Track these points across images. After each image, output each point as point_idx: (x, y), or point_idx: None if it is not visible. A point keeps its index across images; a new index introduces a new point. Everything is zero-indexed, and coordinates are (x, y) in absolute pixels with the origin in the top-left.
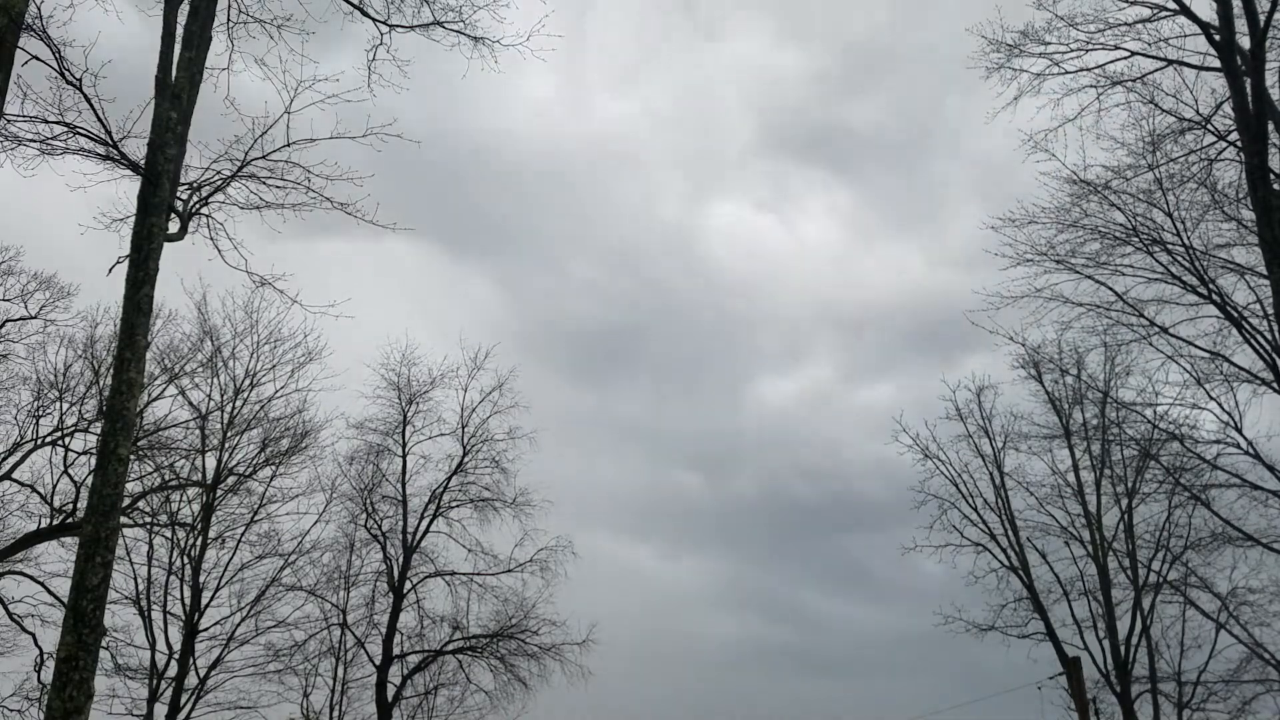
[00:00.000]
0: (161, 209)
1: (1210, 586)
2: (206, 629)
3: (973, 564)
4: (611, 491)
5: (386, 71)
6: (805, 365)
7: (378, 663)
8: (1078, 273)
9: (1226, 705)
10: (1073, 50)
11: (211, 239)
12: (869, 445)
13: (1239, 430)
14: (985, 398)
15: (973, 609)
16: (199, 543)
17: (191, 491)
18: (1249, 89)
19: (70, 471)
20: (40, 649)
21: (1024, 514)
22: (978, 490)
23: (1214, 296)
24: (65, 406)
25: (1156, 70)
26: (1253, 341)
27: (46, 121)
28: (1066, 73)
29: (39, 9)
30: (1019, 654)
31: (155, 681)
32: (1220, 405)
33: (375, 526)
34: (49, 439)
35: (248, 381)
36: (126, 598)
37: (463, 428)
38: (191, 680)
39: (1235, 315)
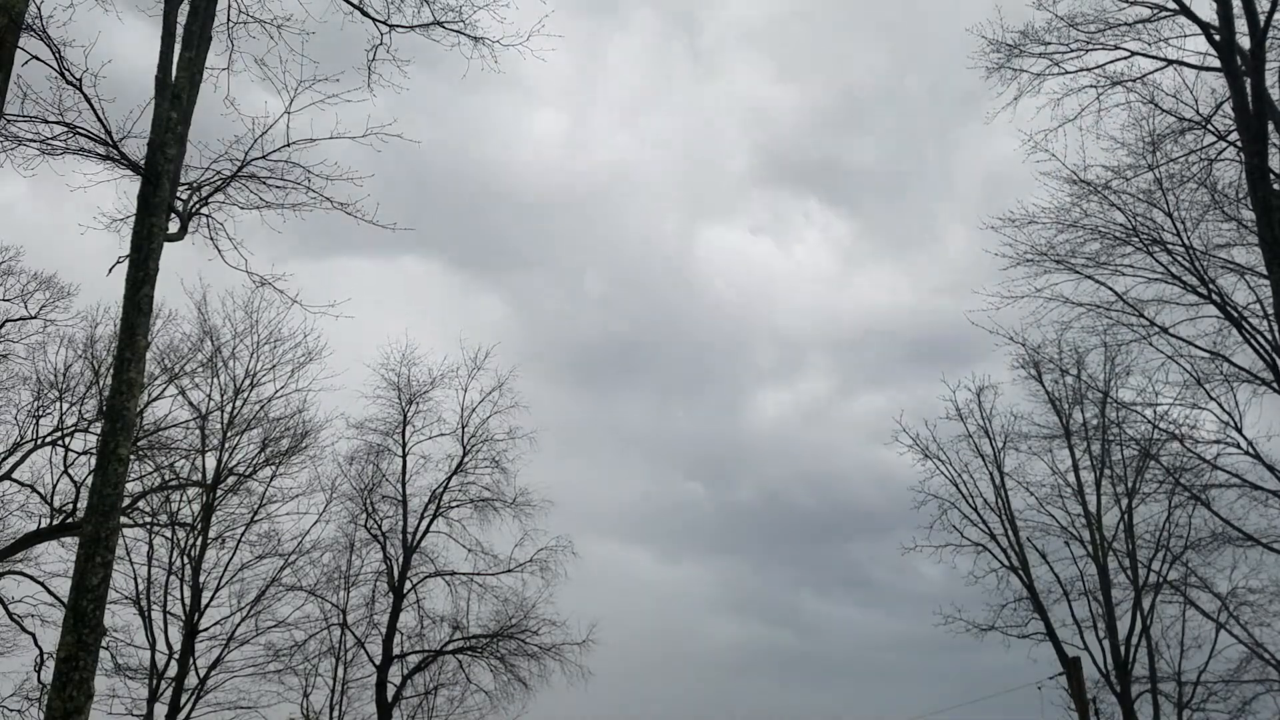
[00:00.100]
0: (161, 209)
1: (1210, 586)
2: (206, 629)
3: (973, 564)
4: (615, 499)
5: (386, 71)
6: (802, 379)
7: (378, 663)
8: (1078, 273)
9: (1226, 705)
10: (1073, 50)
11: (211, 239)
12: (866, 455)
13: (1239, 430)
14: (985, 398)
15: (973, 609)
16: (199, 543)
17: (191, 491)
18: (1249, 89)
19: (70, 471)
20: (40, 649)
21: (1024, 514)
22: (978, 490)
23: (1214, 296)
24: (65, 406)
25: (1156, 70)
26: (1253, 341)
27: (46, 121)
28: (1066, 73)
29: (39, 9)
30: (1019, 654)
31: (155, 681)
32: (1220, 405)
33: (375, 526)
34: (49, 439)
35: (248, 381)
36: (126, 598)
37: (463, 428)
38: (191, 680)
39: (1235, 315)
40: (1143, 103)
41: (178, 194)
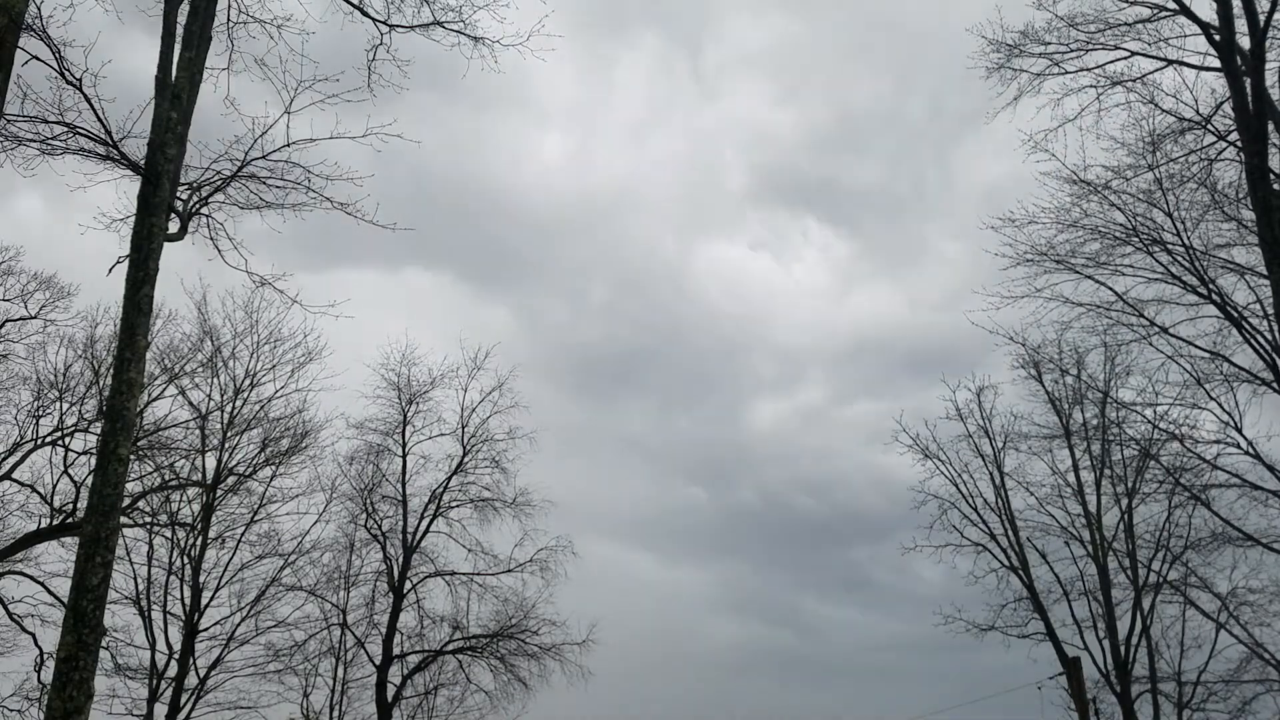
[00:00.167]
0: (161, 209)
1: (1210, 586)
2: (206, 629)
3: (973, 564)
4: (616, 502)
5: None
6: (801, 388)
7: (378, 663)
8: (1078, 273)
9: (1226, 705)
10: (1073, 50)
11: (211, 239)
12: (865, 460)
13: (1239, 430)
14: (985, 398)
15: (973, 610)
16: (199, 543)
17: (191, 491)
18: (1249, 89)
19: (70, 471)
20: (40, 649)
21: (1024, 514)
22: (978, 490)
23: (1214, 296)
24: (65, 406)
25: (1156, 70)
26: (1253, 341)
27: (46, 121)
28: (1066, 73)
29: (39, 9)
30: (1019, 654)
31: (155, 681)
32: (1220, 405)
33: (375, 526)
34: (49, 439)
35: (248, 381)
36: (126, 598)
37: (463, 428)
38: (191, 680)
39: (1235, 315)
40: (1143, 103)
41: (178, 194)
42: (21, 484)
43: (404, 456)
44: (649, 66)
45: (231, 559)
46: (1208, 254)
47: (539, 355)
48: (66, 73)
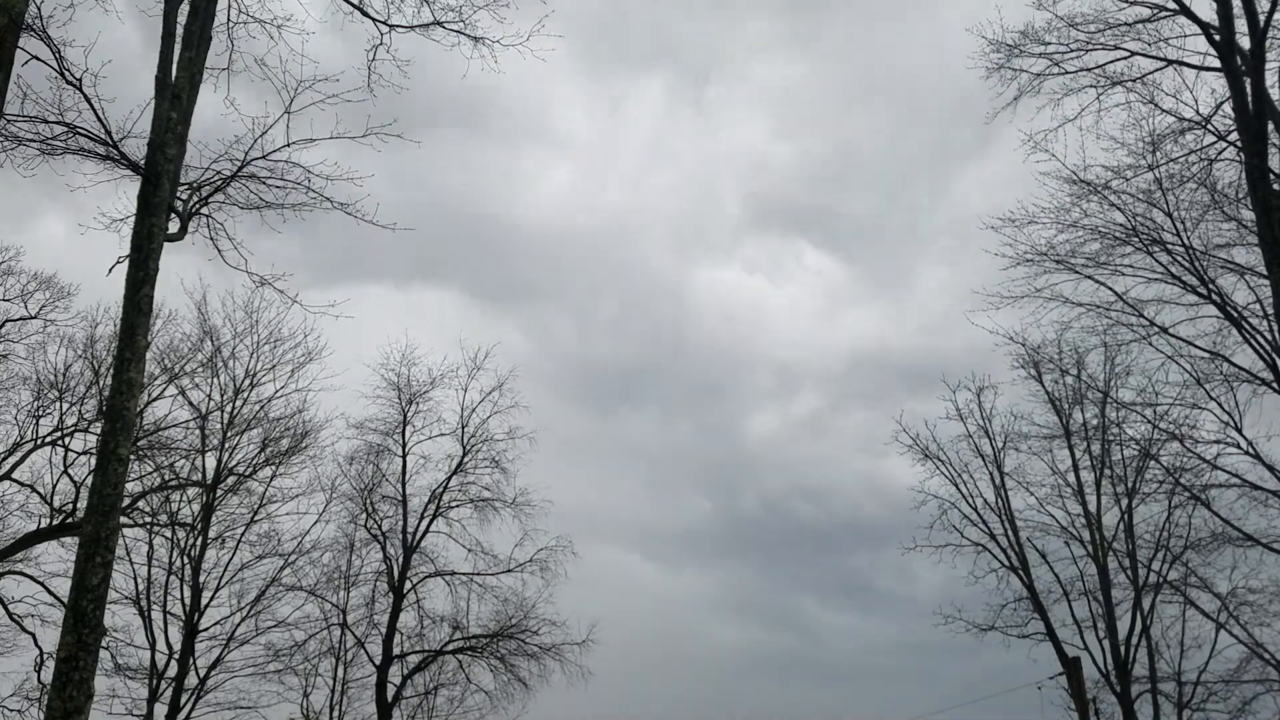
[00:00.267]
0: (161, 209)
1: (1210, 586)
2: (206, 629)
3: (972, 564)
4: (619, 508)
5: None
6: (798, 400)
7: (378, 663)
8: (1077, 273)
9: (1226, 705)
10: (1073, 50)
11: (211, 239)
12: (863, 467)
13: (1239, 430)
14: (985, 398)
15: (973, 610)
16: (199, 543)
17: (191, 491)
18: (1249, 89)
19: (70, 471)
20: (40, 649)
21: (1024, 514)
22: (978, 490)
23: (1214, 296)
24: (65, 406)
25: (1156, 70)
26: (1253, 341)
27: (46, 121)
28: (1066, 73)
29: (39, 9)
30: (1019, 654)
31: (155, 681)
32: (1220, 405)
33: (375, 526)
34: (49, 439)
35: (248, 381)
36: (126, 598)
37: (463, 428)
38: (191, 680)
39: (1235, 315)
40: (1143, 103)
41: (178, 194)
42: (21, 484)
43: (404, 456)
44: (657, 101)
45: (231, 559)
46: (1208, 254)
47: (546, 370)
48: (66, 73)
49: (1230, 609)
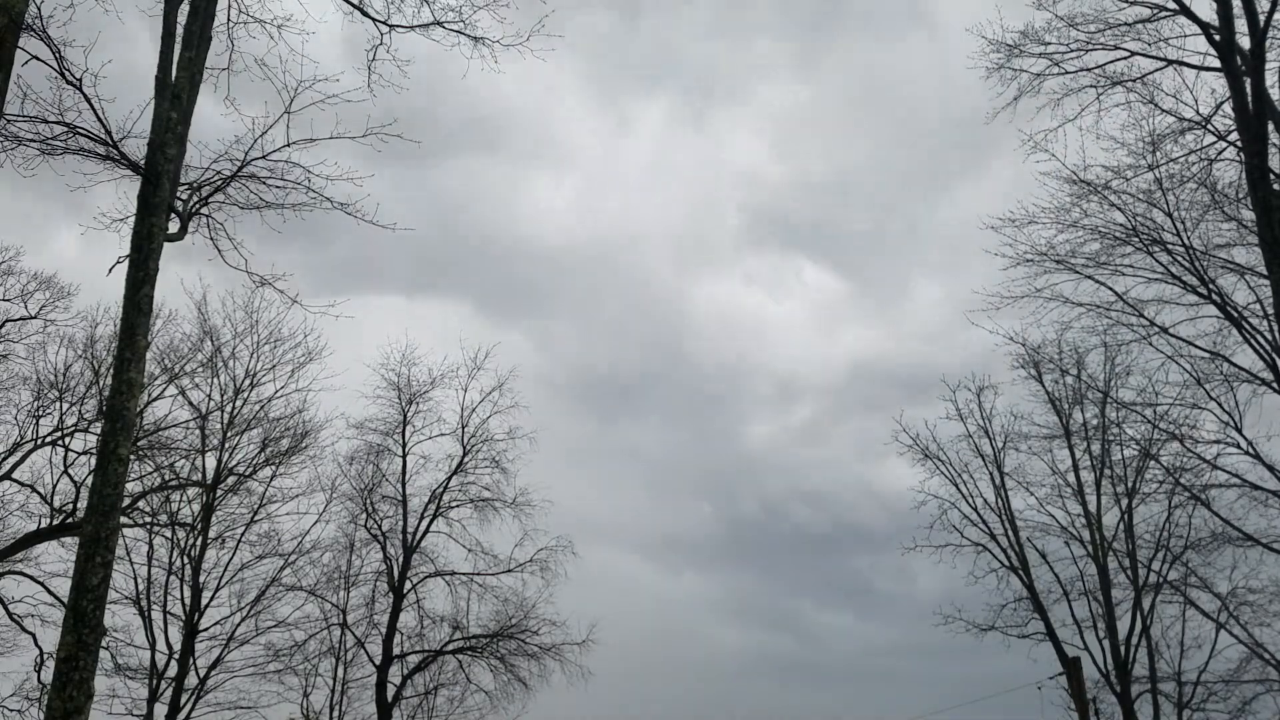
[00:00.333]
0: (161, 209)
1: (1210, 586)
2: (206, 629)
3: (972, 564)
4: (622, 514)
5: (386, 71)
6: (798, 408)
7: (378, 663)
8: (1078, 273)
9: (1226, 705)
10: (1072, 50)
11: (211, 239)
12: (861, 475)
13: (1239, 430)
14: (985, 398)
15: (973, 611)
16: (199, 543)
17: (191, 491)
18: (1249, 89)
19: (70, 471)
20: (40, 649)
21: (1024, 514)
22: (978, 490)
23: (1214, 296)
24: (65, 406)
25: (1156, 70)
26: (1253, 341)
27: (46, 121)
28: (1066, 73)
29: (39, 9)
30: (1019, 654)
31: (155, 681)
32: (1220, 405)
33: (375, 526)
34: (49, 439)
35: (248, 381)
36: (126, 598)
37: (463, 428)
38: (191, 680)
39: (1235, 315)
40: (1143, 103)
41: (178, 194)
42: (21, 484)
43: (404, 456)
44: (661, 119)
45: (231, 559)
46: (1208, 254)
47: (550, 377)
48: (66, 73)
49: (1230, 609)
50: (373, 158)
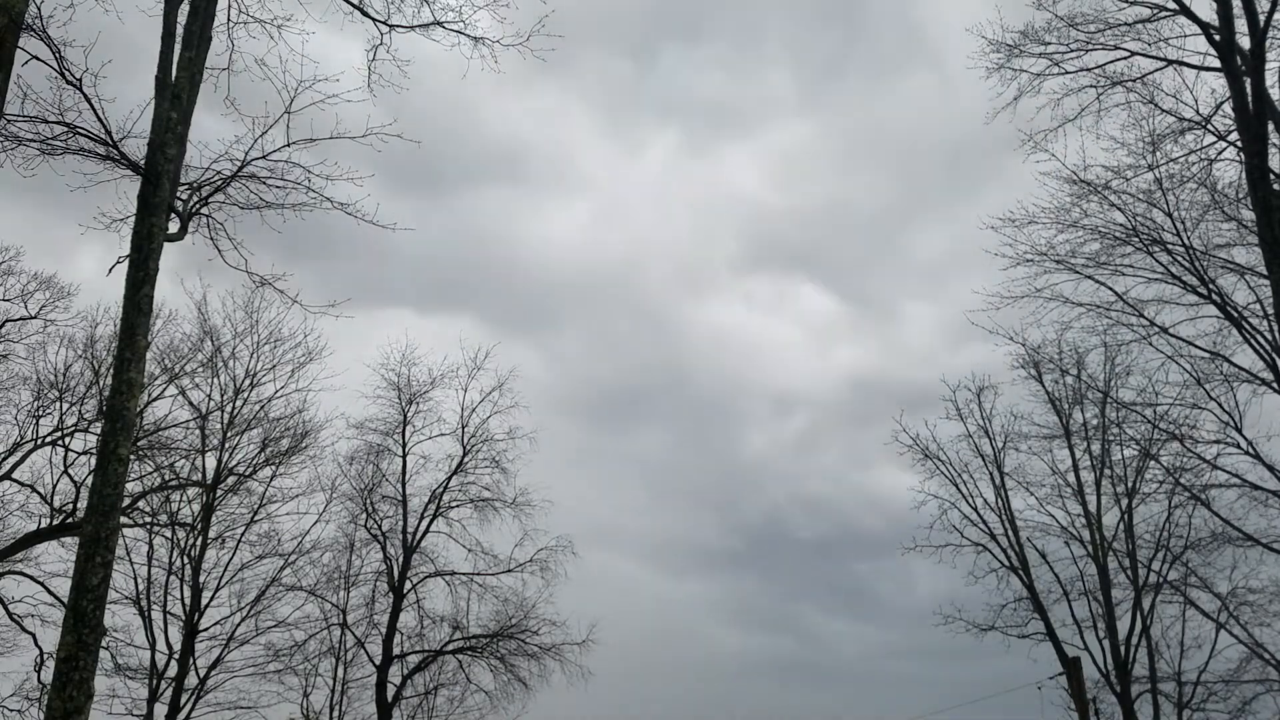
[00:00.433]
0: (161, 209)
1: (1210, 586)
2: (206, 629)
3: (972, 564)
4: (624, 520)
5: (386, 71)
6: (797, 418)
7: (378, 663)
8: (1078, 273)
9: (1226, 705)
10: (1072, 50)
11: (211, 239)
12: (861, 484)
13: (1239, 430)
14: (985, 398)
15: (973, 612)
16: (199, 543)
17: (191, 491)
18: (1249, 89)
19: (70, 471)
20: (40, 649)
21: (1024, 514)
22: (978, 490)
23: (1214, 296)
24: (65, 406)
25: (1156, 70)
26: (1253, 341)
27: (46, 121)
28: (1066, 73)
29: (39, 9)
30: (1019, 654)
31: (155, 681)
32: (1220, 405)
33: (375, 526)
34: (49, 439)
35: (248, 381)
36: (126, 598)
37: (463, 428)
38: (191, 680)
39: (1235, 315)
40: (1143, 103)
41: (178, 194)
42: (21, 484)
43: (404, 456)
44: (668, 149)
45: (231, 559)
46: (1208, 254)
47: (558, 390)
48: (66, 73)
49: (1230, 609)
50: (395, 186)
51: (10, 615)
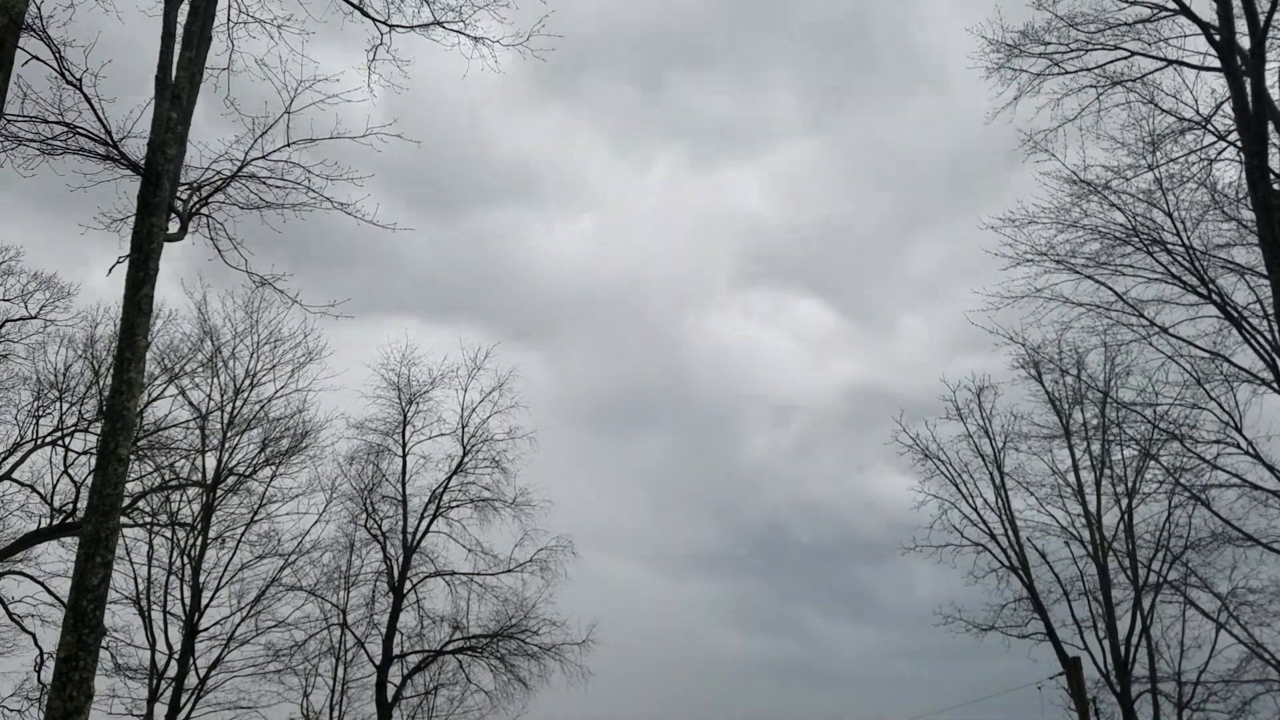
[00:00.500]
0: (161, 209)
1: (1210, 586)
2: (206, 629)
3: (972, 564)
4: (625, 524)
5: (386, 71)
6: (797, 425)
7: (378, 663)
8: (1078, 273)
9: (1226, 705)
10: (1072, 50)
11: (211, 239)
12: (861, 489)
13: (1239, 430)
14: (985, 398)
15: (973, 613)
16: (199, 543)
17: (191, 491)
18: (1249, 89)
19: (70, 471)
20: (40, 649)
21: (1024, 514)
22: (978, 490)
23: (1214, 296)
24: (65, 406)
25: (1156, 70)
26: (1253, 341)
27: (46, 121)
28: (1066, 73)
29: (39, 9)
30: (1019, 654)
31: (155, 681)
32: (1220, 405)
33: (375, 526)
34: (49, 439)
35: (248, 381)
36: (126, 598)
37: (463, 428)
38: (191, 680)
39: (1235, 315)
40: (1143, 103)
41: (178, 194)
42: (21, 484)
43: (404, 456)
44: (672, 168)
45: (231, 559)
46: (1208, 254)
47: (562, 399)
48: (66, 73)
49: (1230, 609)
50: (411, 204)
51: (10, 615)
